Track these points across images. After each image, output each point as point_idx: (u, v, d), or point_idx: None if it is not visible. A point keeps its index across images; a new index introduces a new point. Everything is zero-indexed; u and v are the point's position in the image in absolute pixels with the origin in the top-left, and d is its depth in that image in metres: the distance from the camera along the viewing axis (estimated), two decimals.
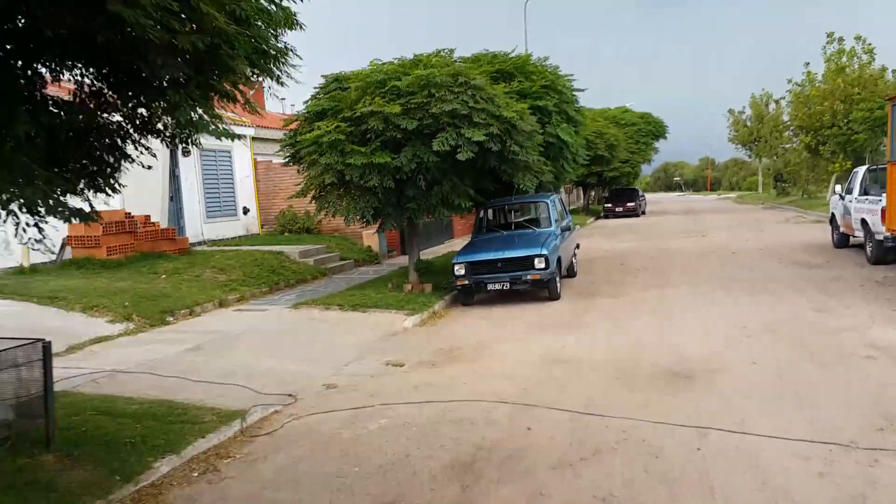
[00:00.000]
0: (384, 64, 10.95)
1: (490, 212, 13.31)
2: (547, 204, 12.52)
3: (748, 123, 54.07)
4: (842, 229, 15.38)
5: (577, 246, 14.50)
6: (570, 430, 5.48)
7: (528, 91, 12.35)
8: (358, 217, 10.63)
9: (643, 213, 36.63)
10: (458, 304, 11.67)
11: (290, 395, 6.95)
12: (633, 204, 34.86)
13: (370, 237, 17.87)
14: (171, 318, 10.69)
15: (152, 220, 15.27)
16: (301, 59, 4.48)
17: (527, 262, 10.89)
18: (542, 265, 10.80)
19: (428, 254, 19.34)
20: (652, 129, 37.19)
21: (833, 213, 16.19)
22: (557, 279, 11.16)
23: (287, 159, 11.46)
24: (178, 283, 12.47)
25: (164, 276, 12.82)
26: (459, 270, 11.19)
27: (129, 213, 14.15)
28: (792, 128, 35.67)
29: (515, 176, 11.07)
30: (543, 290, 11.29)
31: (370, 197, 10.62)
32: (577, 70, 16.23)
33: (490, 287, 11.04)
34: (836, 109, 29.67)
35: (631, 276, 13.42)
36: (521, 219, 13.40)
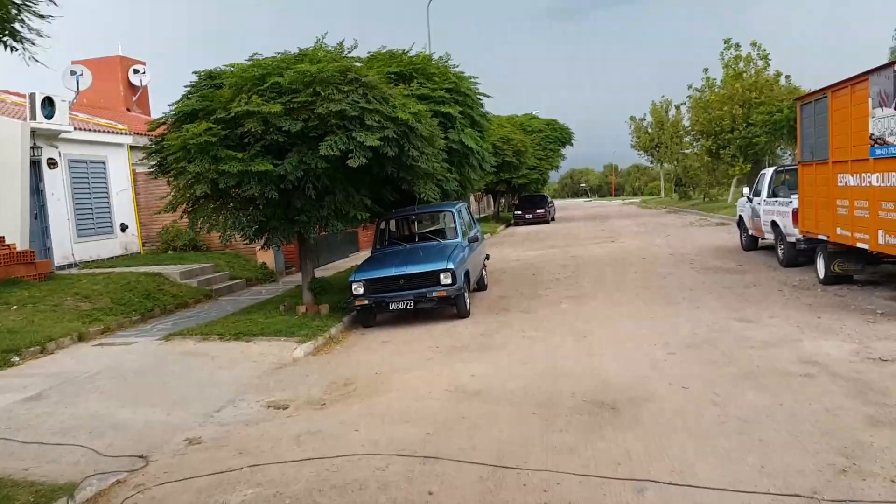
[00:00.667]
0: (265, 59, 9.68)
1: (392, 223, 12.23)
2: (452, 214, 11.56)
3: (649, 130, 55.51)
4: (751, 231, 15.20)
5: (487, 257, 13.63)
6: (481, 492, 4.45)
7: (431, 95, 11.36)
8: (238, 233, 9.30)
9: (553, 219, 36.53)
10: (359, 326, 10.51)
11: (140, 457, 5.63)
12: (542, 211, 34.64)
13: (264, 253, 16.42)
14: (17, 359, 9.03)
15: (6, 241, 13.30)
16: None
17: (432, 278, 9.87)
18: (449, 280, 9.81)
19: (329, 269, 18.07)
20: (559, 136, 37.20)
21: (741, 216, 16.05)
22: (466, 295, 10.20)
23: (153, 169, 9.98)
24: (31, 314, 10.72)
25: (14, 306, 11.03)
26: (358, 289, 10.04)
27: None
28: (693, 132, 36.43)
29: (416, 184, 10.05)
30: (452, 308, 10.30)
31: (251, 209, 9.34)
32: (483, 76, 15.27)
33: (393, 306, 9.95)
34: (736, 114, 30.39)
35: (544, 288, 12.65)
36: (426, 230, 12.40)
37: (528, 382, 6.78)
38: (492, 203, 43.75)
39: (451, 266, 9.83)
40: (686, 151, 55.57)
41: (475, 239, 11.48)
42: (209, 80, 9.71)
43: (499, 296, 12.16)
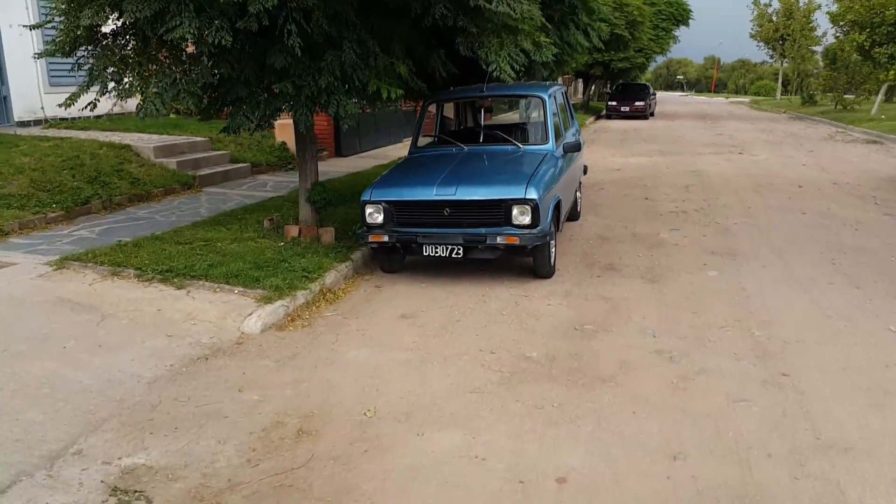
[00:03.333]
0: None
1: (444, 109, 7.96)
2: (543, 102, 7.13)
3: (774, 18, 47.52)
4: None
5: (585, 170, 9.23)
6: None
7: None
8: (165, 104, 5.25)
9: (652, 114, 31.07)
10: (374, 270, 6.63)
11: None
12: (642, 103, 29.21)
13: (285, 129, 12.46)
14: None
15: None
16: None
17: (499, 211, 5.75)
18: (528, 219, 5.67)
19: (370, 157, 14.06)
20: (674, 13, 30.81)
21: None
22: (552, 244, 6.06)
23: None
24: None
25: None
26: (374, 215, 6.06)
27: None
28: (842, 23, 29.56)
29: (486, 46, 5.71)
30: (526, 259, 6.23)
31: (191, 65, 5.28)
32: None
33: (428, 251, 5.95)
34: None
35: (667, 226, 8.37)
36: (498, 127, 8.12)
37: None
38: (580, 90, 38.12)
39: (533, 196, 5.66)
40: (815, 48, 47.76)
41: (575, 147, 7.13)
42: None
43: (599, 235, 7.96)
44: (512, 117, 8.24)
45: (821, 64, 52.32)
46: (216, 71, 5.56)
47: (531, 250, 5.85)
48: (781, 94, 52.74)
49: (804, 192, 10.93)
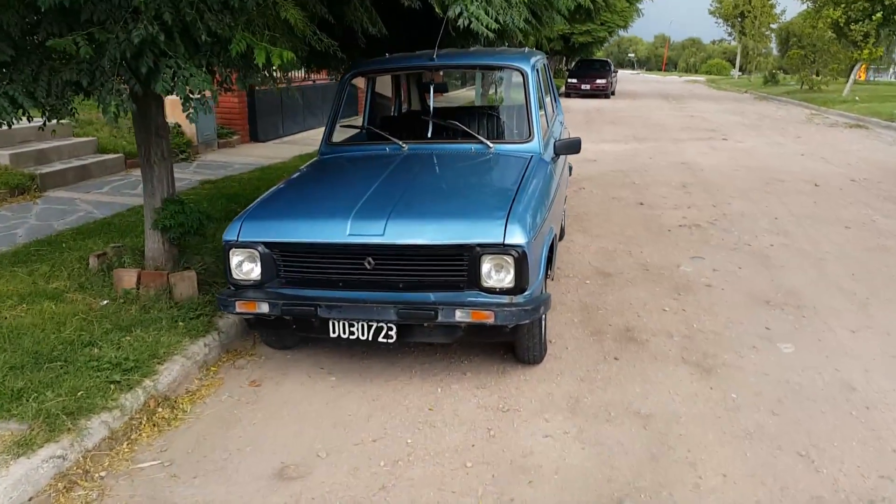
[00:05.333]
0: None
1: (376, 84, 5.41)
2: (524, 76, 4.58)
3: None
4: None
5: (570, 171, 6.77)
6: None
7: None
8: None
9: (613, 93, 28.94)
10: (251, 351, 4.15)
11: None
12: (604, 81, 26.99)
13: (177, 106, 9.73)
14: None
15: None
16: None
17: (459, 265, 3.33)
18: (509, 279, 3.27)
19: (292, 143, 11.48)
20: None
21: None
22: (542, 316, 3.65)
23: None
24: None
25: None
26: (246, 267, 3.56)
27: None
28: None
29: None
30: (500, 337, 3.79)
31: None
32: None
33: (338, 332, 3.48)
34: None
35: (686, 252, 6.08)
36: (454, 113, 5.61)
37: None
38: None
39: (518, 238, 3.23)
40: (774, 26, 46.54)
41: (572, 147, 4.62)
42: None
43: (597, 268, 5.60)
44: (480, 101, 5.70)
45: (773, 44, 51.24)
46: None
47: (512, 329, 3.45)
48: (739, 74, 51.47)
49: (825, 193, 8.81)
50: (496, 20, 3.89)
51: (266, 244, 3.50)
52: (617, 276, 5.41)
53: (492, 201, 3.58)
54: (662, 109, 23.12)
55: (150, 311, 4.10)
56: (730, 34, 49.34)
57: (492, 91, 6.66)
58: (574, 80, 27.29)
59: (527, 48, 5.49)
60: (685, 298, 4.93)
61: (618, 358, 3.96)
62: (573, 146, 4.55)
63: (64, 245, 5.21)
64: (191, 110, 3.41)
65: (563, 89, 27.61)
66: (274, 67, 3.49)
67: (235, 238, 3.53)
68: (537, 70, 4.90)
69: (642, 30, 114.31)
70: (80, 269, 4.65)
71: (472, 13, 3.28)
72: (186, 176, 8.32)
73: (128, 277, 4.34)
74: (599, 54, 38.95)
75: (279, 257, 3.53)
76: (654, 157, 11.93)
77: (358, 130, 5.05)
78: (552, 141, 4.67)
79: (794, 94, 30.72)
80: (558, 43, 26.57)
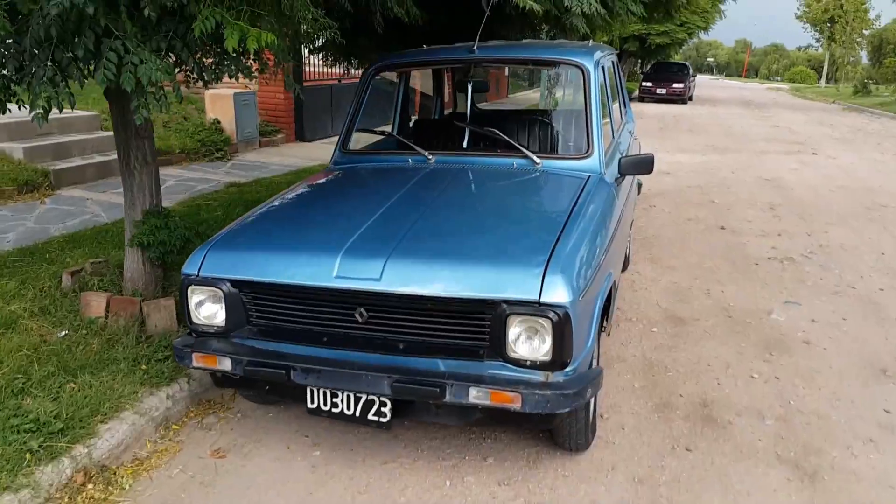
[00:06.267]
0: None
1: (407, 82, 4.56)
2: (585, 75, 3.68)
3: None
4: None
5: (639, 190, 5.74)
6: None
7: None
8: None
9: (690, 98, 27.35)
10: (221, 406, 3.38)
11: None
12: (681, 86, 25.48)
13: (218, 101, 9.15)
14: None
15: None
16: None
17: (479, 324, 2.47)
18: (545, 348, 2.38)
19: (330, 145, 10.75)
20: None
21: None
22: (591, 407, 2.74)
23: None
24: None
25: None
26: (207, 310, 2.78)
27: None
28: None
29: None
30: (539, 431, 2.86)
31: None
32: None
33: (316, 402, 2.66)
34: None
35: (777, 295, 5.01)
36: (493, 118, 4.69)
37: None
38: None
39: (560, 295, 2.35)
40: (867, 31, 43.66)
41: (644, 166, 3.71)
42: None
43: (667, 312, 4.62)
44: (527, 101, 4.93)
45: (863, 52, 48.07)
46: None
47: (545, 417, 2.54)
48: (826, 82, 48.52)
49: None
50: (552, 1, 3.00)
51: (233, 282, 2.71)
52: (692, 323, 4.42)
53: (529, 240, 2.68)
54: (744, 118, 21.57)
55: (114, 347, 3.39)
56: (817, 40, 46.53)
57: (552, 89, 5.75)
58: (649, 84, 25.88)
59: (591, 42, 4.56)
60: (779, 361, 3.91)
61: (690, 449, 3.01)
62: (644, 165, 3.59)
63: (47, 256, 4.57)
64: (141, 110, 2.63)
65: (636, 93, 26.26)
66: (251, 53, 2.69)
67: (196, 272, 2.74)
68: (603, 68, 3.96)
69: (722, 33, 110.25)
70: (52, 287, 3.98)
71: None
72: (216, 177, 7.69)
73: (96, 303, 3.63)
74: (677, 58, 37.15)
75: (250, 300, 2.73)
76: (735, 171, 10.73)
77: (381, 137, 4.22)
78: (617, 156, 3.73)
79: (890, 106, 28.44)
80: (633, 44, 25.21)
